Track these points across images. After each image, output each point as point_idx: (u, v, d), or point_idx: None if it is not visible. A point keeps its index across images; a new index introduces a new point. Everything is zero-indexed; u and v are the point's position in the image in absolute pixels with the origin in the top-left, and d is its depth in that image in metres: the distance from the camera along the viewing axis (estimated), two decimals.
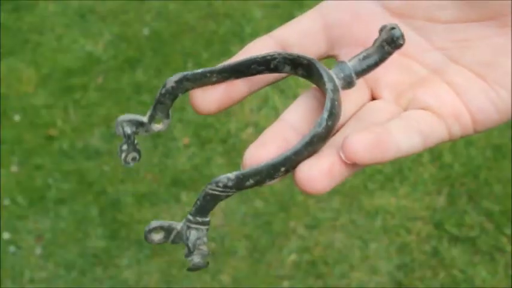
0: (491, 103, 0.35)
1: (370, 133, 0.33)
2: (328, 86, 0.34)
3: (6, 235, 1.72)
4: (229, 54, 1.99)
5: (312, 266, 1.57)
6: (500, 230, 1.55)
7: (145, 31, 2.11)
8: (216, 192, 0.34)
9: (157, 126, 0.38)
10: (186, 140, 1.83)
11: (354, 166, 0.33)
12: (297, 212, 1.65)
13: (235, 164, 1.72)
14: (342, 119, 0.35)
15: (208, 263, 0.35)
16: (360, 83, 0.37)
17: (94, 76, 2.02)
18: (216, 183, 0.33)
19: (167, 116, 0.38)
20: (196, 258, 0.35)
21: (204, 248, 0.35)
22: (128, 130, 0.38)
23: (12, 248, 1.69)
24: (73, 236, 1.70)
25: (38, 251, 1.68)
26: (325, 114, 0.33)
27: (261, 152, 0.34)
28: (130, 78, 2.00)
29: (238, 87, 0.37)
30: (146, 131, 0.38)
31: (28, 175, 1.83)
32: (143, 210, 1.71)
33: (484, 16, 0.36)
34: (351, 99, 0.36)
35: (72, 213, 1.74)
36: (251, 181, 0.33)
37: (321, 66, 0.35)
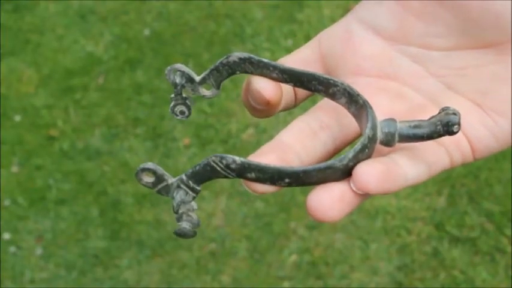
0: (489, 132, 0.35)
1: (379, 163, 0.32)
2: (369, 132, 0.33)
3: (6, 235, 1.72)
4: None
5: (313, 266, 1.57)
6: (500, 231, 1.55)
7: (146, 31, 2.11)
8: (217, 168, 0.34)
9: (204, 91, 0.38)
10: (186, 141, 1.83)
11: (364, 195, 0.33)
12: (297, 212, 1.64)
13: None
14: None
15: (195, 232, 0.35)
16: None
17: (94, 76, 2.02)
18: (221, 158, 0.33)
19: (218, 87, 0.38)
20: (184, 224, 0.35)
21: (193, 215, 0.35)
22: (177, 80, 0.38)
23: (12, 249, 1.69)
24: (73, 237, 1.70)
25: (39, 251, 1.68)
26: (351, 154, 0.33)
27: (261, 159, 0.34)
28: (131, 78, 2.00)
29: (297, 94, 0.38)
30: (193, 90, 0.38)
31: (28, 175, 1.83)
32: (144, 211, 1.71)
33: (481, 44, 0.35)
34: (347, 128, 0.37)
35: (72, 214, 1.74)
36: (253, 175, 0.33)
37: (371, 113, 0.34)
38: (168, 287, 1.59)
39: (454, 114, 0.33)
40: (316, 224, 1.62)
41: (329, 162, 0.33)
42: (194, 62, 1.99)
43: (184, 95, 0.38)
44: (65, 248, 1.68)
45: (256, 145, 1.75)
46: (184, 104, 0.38)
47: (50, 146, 1.88)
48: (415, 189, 1.64)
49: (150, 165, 0.35)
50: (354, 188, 0.32)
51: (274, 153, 0.34)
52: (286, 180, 0.33)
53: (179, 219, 0.35)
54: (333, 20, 1.96)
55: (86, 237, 1.70)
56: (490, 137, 0.35)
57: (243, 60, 0.37)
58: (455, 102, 0.35)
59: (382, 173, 0.32)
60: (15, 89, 2.03)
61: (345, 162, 0.33)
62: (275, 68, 0.36)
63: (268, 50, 1.98)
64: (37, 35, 2.16)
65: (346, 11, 1.96)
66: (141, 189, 1.74)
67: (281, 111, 0.38)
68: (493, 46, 0.35)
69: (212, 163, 0.34)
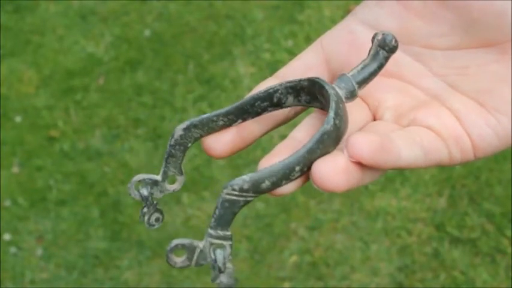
0: (491, 130, 0.35)
1: (374, 135, 0.33)
2: (331, 92, 0.34)
3: (7, 236, 1.72)
4: (230, 55, 1.99)
5: (313, 267, 1.57)
6: (501, 232, 1.55)
7: (147, 32, 2.11)
8: (234, 197, 0.33)
9: (171, 186, 0.37)
10: None
11: (366, 171, 0.33)
12: (298, 213, 1.64)
13: (236, 165, 1.72)
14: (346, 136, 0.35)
15: (236, 279, 0.34)
16: (362, 106, 0.37)
17: (95, 77, 2.02)
18: (232, 186, 0.32)
19: (180, 172, 0.37)
20: (224, 279, 0.33)
21: (230, 265, 0.34)
22: (145, 192, 0.37)
23: (13, 249, 1.69)
24: (74, 237, 1.70)
25: (39, 252, 1.68)
26: (332, 113, 0.33)
27: (276, 159, 0.34)
28: (132, 79, 2.00)
29: (249, 128, 0.38)
30: (161, 192, 0.37)
31: (29, 176, 1.83)
32: None
33: (483, 43, 0.36)
34: (352, 121, 0.37)
35: (73, 214, 1.74)
36: (267, 183, 0.33)
37: (322, 80, 0.35)
38: None
39: (384, 33, 0.34)
40: (316, 225, 1.62)
41: (320, 130, 0.33)
42: (194, 63, 1.99)
43: (154, 202, 0.37)
44: (65, 248, 1.68)
45: (257, 145, 1.75)
46: (157, 210, 0.38)
47: (50, 146, 1.88)
48: (415, 190, 1.64)
49: (175, 242, 0.34)
50: (347, 155, 0.32)
51: (288, 152, 0.34)
52: (297, 168, 0.33)
53: (216, 277, 0.33)
54: (333, 21, 1.96)
55: (86, 237, 1.70)
56: (492, 135, 0.35)
57: (187, 129, 0.37)
58: (458, 101, 0.36)
59: (375, 142, 0.32)
60: (16, 89, 2.03)
61: (332, 122, 0.33)
62: (218, 116, 0.36)
63: (268, 50, 1.98)
64: (38, 36, 2.16)
65: (346, 11, 1.96)
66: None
67: (262, 136, 0.39)
68: (494, 45, 0.36)
69: (227, 197, 0.33)
